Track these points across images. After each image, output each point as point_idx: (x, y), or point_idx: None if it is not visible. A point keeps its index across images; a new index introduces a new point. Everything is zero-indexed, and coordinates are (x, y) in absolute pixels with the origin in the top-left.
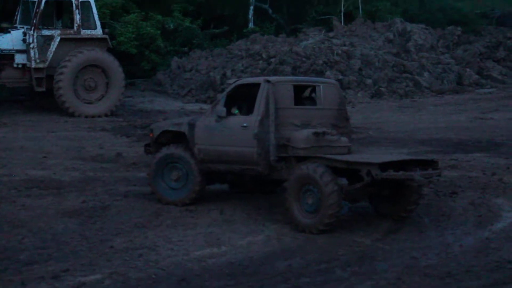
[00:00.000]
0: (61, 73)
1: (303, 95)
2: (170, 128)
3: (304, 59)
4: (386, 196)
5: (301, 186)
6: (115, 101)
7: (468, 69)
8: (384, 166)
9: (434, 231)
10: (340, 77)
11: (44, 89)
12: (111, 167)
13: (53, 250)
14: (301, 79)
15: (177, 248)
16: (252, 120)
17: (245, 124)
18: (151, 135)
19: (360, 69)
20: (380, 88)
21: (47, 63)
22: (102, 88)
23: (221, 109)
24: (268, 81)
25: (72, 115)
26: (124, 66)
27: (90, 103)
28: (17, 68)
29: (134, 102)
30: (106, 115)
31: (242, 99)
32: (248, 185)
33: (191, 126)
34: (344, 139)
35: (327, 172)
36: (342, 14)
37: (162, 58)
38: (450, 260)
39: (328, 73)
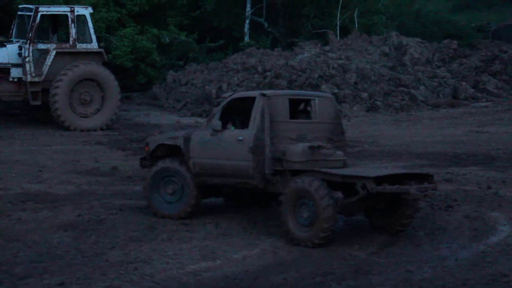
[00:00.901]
0: (57, 87)
1: (298, 109)
2: (166, 142)
3: (299, 72)
4: (381, 210)
5: (296, 200)
6: (111, 114)
7: (463, 83)
8: (379, 180)
9: (430, 244)
10: (336, 90)
11: (39, 102)
12: (106, 180)
13: (48, 264)
14: (297, 93)
15: (172, 261)
16: (248, 133)
17: (240, 138)
18: (146, 148)
19: (355, 83)
20: (376, 102)
21: (43, 77)
22: (97, 102)
23: (216, 122)
24: (264, 95)
25: (67, 128)
26: (120, 80)
27: (85, 116)
28: (12, 81)
29: (129, 116)
30: (101, 129)
31: (237, 113)
32: (243, 198)
33: (187, 139)
34: (339, 152)
35: (322, 186)
36: (338, 27)
37: (157, 71)
38: (445, 273)
39: (323, 86)
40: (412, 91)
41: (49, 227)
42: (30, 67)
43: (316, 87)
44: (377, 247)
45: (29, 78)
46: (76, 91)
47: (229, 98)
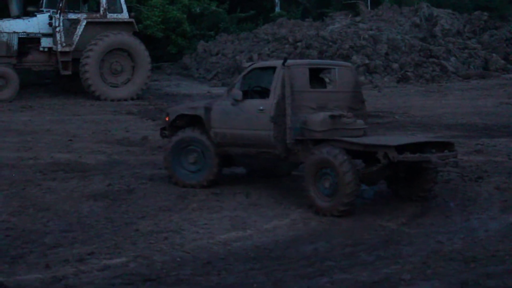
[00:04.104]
0: (87, 57)
1: (318, 78)
2: (186, 112)
3: (330, 43)
4: (403, 178)
5: (318, 170)
6: (141, 84)
7: (494, 54)
8: (400, 148)
9: (460, 215)
10: (367, 61)
11: (70, 72)
12: (136, 150)
13: (78, 233)
14: (317, 62)
15: (203, 231)
16: (269, 103)
17: (261, 108)
18: (166, 118)
19: (386, 54)
20: (407, 73)
21: (73, 46)
22: (128, 72)
23: (237, 92)
24: (284, 64)
25: (98, 98)
26: (150, 50)
27: (116, 86)
28: (43, 51)
29: (160, 86)
30: (132, 99)
31: (258, 82)
32: (264, 168)
33: (207, 109)
34: (360, 121)
35: (344, 156)
36: None
37: (188, 42)
38: (475, 244)
39: (354, 57)
40: (443, 62)
41: (79, 196)
42: (60, 37)
43: (346, 57)
44: (408, 218)
45: (59, 48)
46: (107, 61)
47: (250, 68)
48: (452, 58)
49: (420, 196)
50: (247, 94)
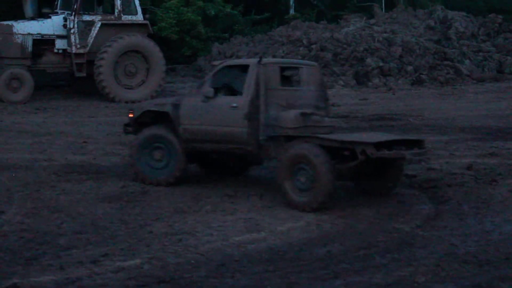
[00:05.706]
0: (102, 59)
1: (287, 77)
2: (153, 108)
3: (345, 45)
4: (368, 174)
5: (293, 165)
6: (156, 86)
7: (508, 57)
8: (379, 145)
9: (474, 218)
10: (381, 64)
11: (84, 74)
12: None
13: (92, 235)
14: (287, 61)
15: (217, 233)
16: (242, 100)
17: (234, 105)
18: (130, 115)
19: (401, 56)
20: (421, 75)
21: (88, 48)
22: (142, 74)
23: (208, 89)
24: (259, 63)
25: (112, 100)
26: (165, 52)
27: (130, 88)
28: (57, 53)
29: (174, 88)
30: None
31: (228, 80)
32: (220, 165)
33: (176, 106)
34: (327, 119)
35: (322, 153)
36: (383, 1)
37: (202, 44)
38: (489, 247)
39: (368, 60)
40: (457, 65)
41: (93, 198)
42: (75, 39)
43: (361, 60)
44: (421, 221)
45: (74, 50)
46: (121, 63)
47: (220, 66)
48: (467, 61)
49: (384, 193)
50: (217, 91)
